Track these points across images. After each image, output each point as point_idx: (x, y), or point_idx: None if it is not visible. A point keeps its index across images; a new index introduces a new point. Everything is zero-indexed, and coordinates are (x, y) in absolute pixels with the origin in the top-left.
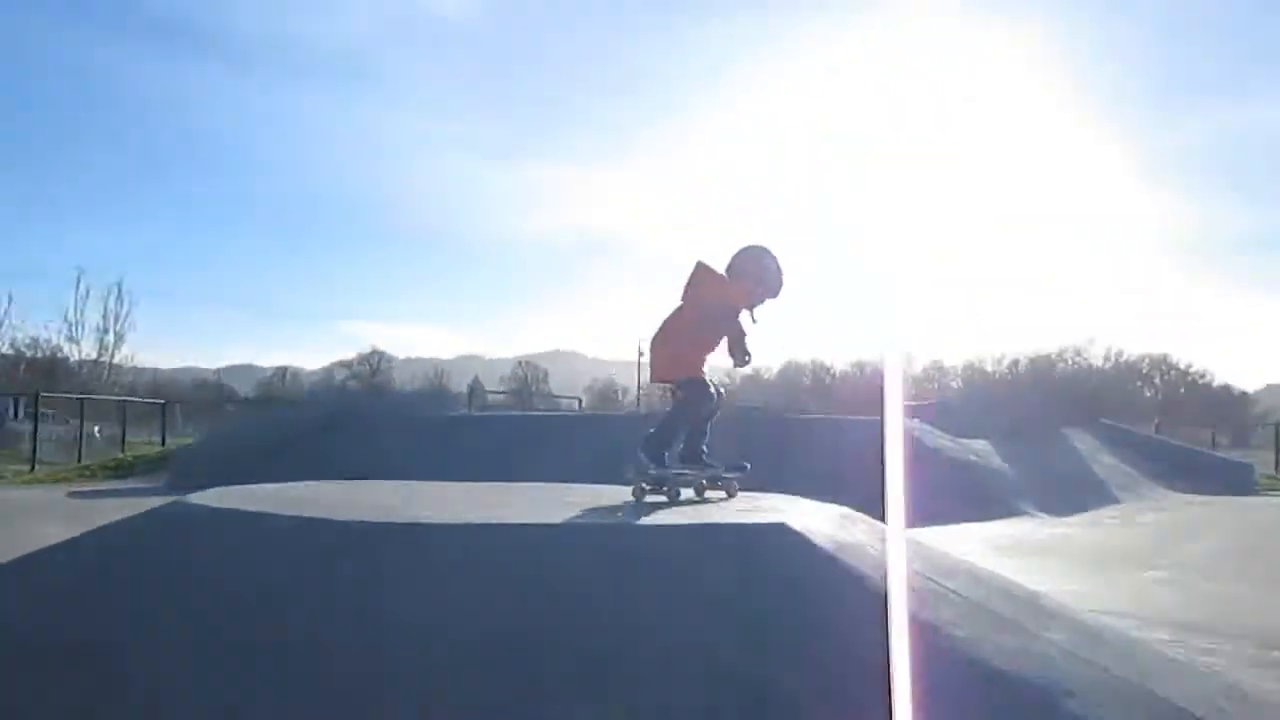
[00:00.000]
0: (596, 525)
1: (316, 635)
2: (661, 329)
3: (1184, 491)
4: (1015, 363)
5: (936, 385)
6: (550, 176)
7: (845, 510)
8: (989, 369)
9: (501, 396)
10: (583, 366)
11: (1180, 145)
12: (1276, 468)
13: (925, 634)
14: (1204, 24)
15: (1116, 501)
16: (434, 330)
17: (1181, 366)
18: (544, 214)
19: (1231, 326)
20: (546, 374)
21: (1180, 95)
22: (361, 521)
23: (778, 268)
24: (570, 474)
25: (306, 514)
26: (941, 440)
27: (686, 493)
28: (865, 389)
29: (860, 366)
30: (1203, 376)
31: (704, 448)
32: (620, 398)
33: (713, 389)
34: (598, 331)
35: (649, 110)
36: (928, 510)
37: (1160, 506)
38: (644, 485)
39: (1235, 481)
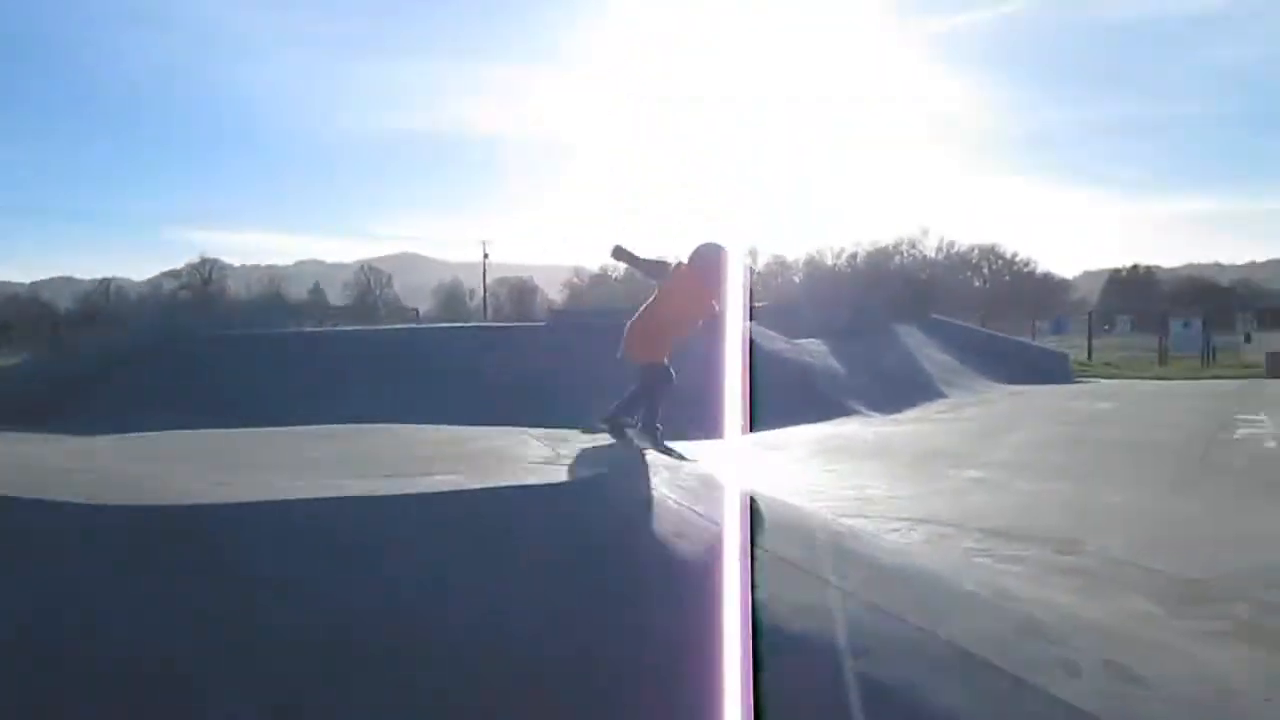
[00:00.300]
0: (403, 496)
1: None
2: (640, 316)
3: (1007, 383)
4: (854, 256)
5: (779, 280)
6: (405, 72)
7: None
8: (830, 263)
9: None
10: (429, 270)
11: (998, 36)
12: (1089, 355)
13: (729, 600)
14: None
15: (944, 396)
16: (272, 235)
17: (1008, 256)
18: (394, 113)
19: (1051, 216)
20: (390, 278)
21: None
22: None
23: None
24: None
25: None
26: (778, 343)
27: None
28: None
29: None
30: (1027, 265)
31: (658, 425)
32: (469, 300)
33: (672, 373)
34: (444, 234)
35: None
36: (766, 414)
37: (985, 399)
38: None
39: (1053, 370)
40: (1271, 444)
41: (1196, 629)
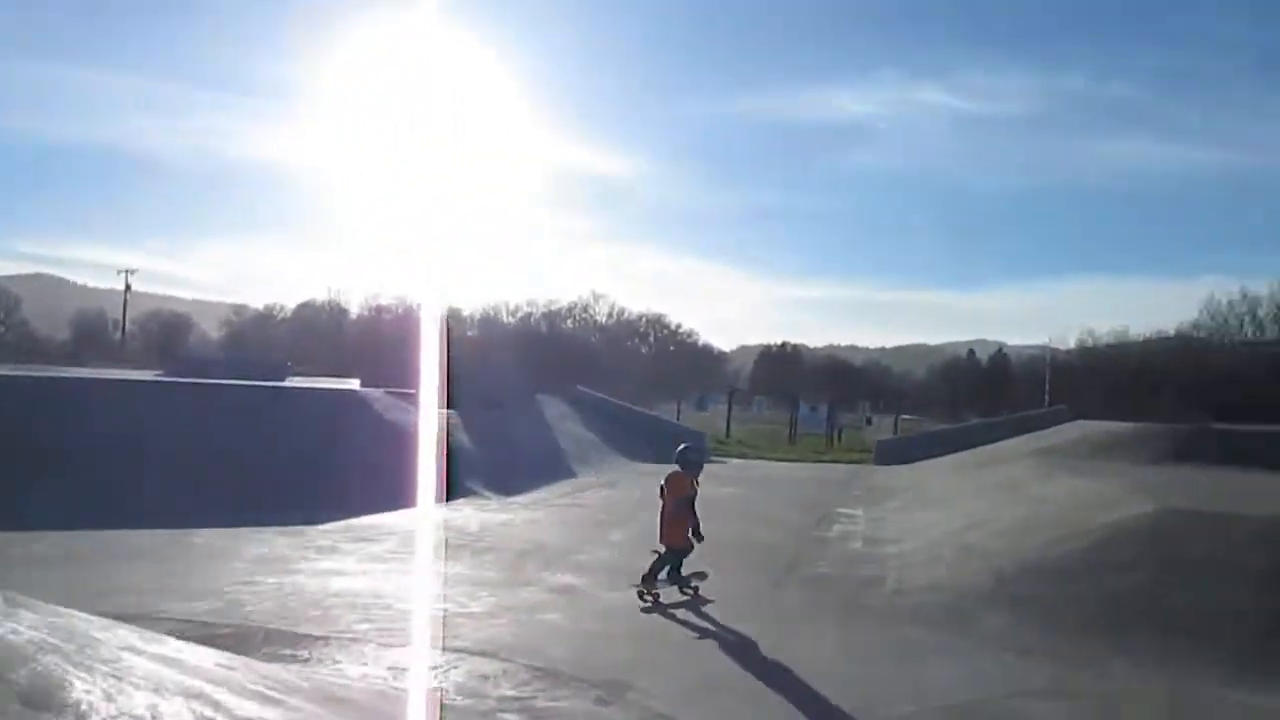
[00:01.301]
0: None
1: None
2: (665, 515)
3: (644, 461)
4: (529, 315)
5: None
6: (59, 78)
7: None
8: (505, 318)
9: None
10: (68, 294)
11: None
12: (728, 432)
13: None
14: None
15: (573, 476)
16: None
17: (673, 326)
18: (40, 121)
19: (714, 291)
20: (19, 300)
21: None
22: None
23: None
24: None
25: None
26: (400, 412)
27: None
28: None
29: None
30: (689, 336)
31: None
32: (111, 331)
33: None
34: (87, 256)
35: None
36: (351, 499)
37: (614, 481)
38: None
39: None
40: (857, 544)
41: None
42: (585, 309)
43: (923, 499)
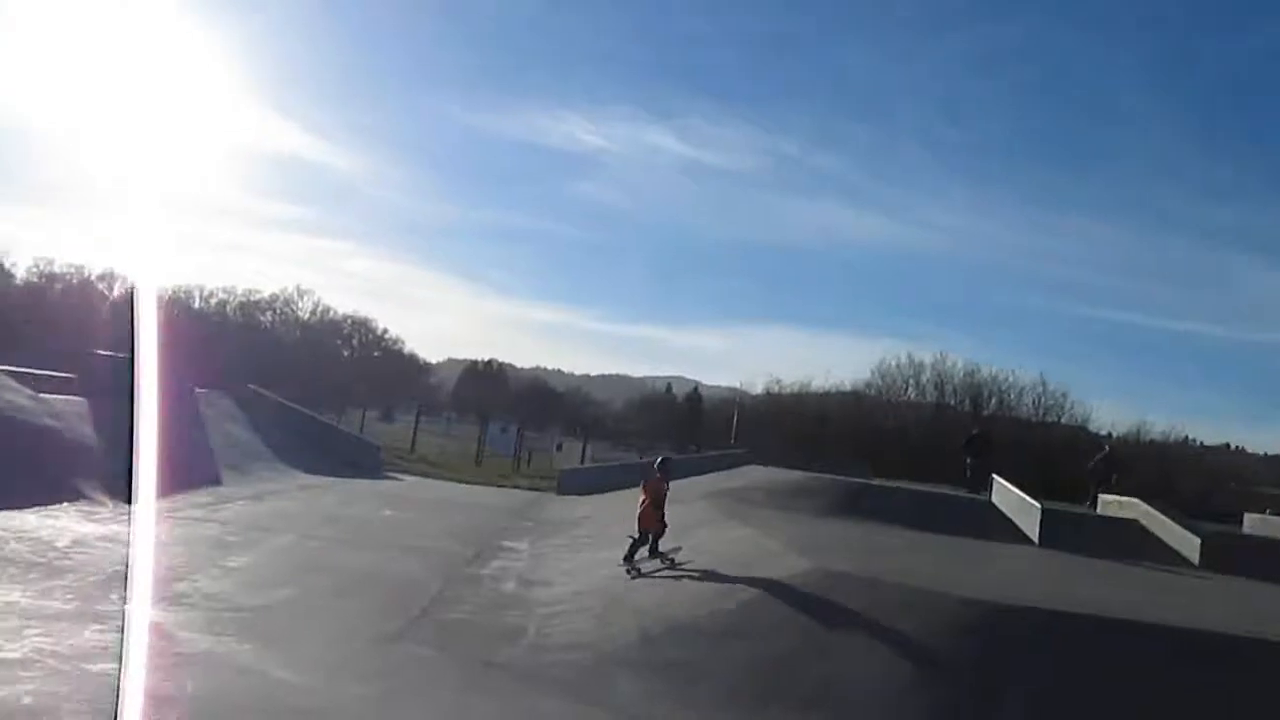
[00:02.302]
0: None
1: None
2: (643, 507)
3: (310, 471)
4: (224, 303)
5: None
6: None
7: None
8: (196, 305)
9: None
10: None
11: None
12: (413, 447)
13: None
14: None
15: (217, 484)
16: None
17: (379, 331)
18: None
19: (428, 301)
20: None
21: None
22: None
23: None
24: None
25: None
26: (17, 396)
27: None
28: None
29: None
30: (395, 343)
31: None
32: None
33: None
34: None
35: None
36: None
37: (265, 492)
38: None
39: (363, 462)
40: (510, 585)
41: None
42: (287, 303)
43: (594, 535)
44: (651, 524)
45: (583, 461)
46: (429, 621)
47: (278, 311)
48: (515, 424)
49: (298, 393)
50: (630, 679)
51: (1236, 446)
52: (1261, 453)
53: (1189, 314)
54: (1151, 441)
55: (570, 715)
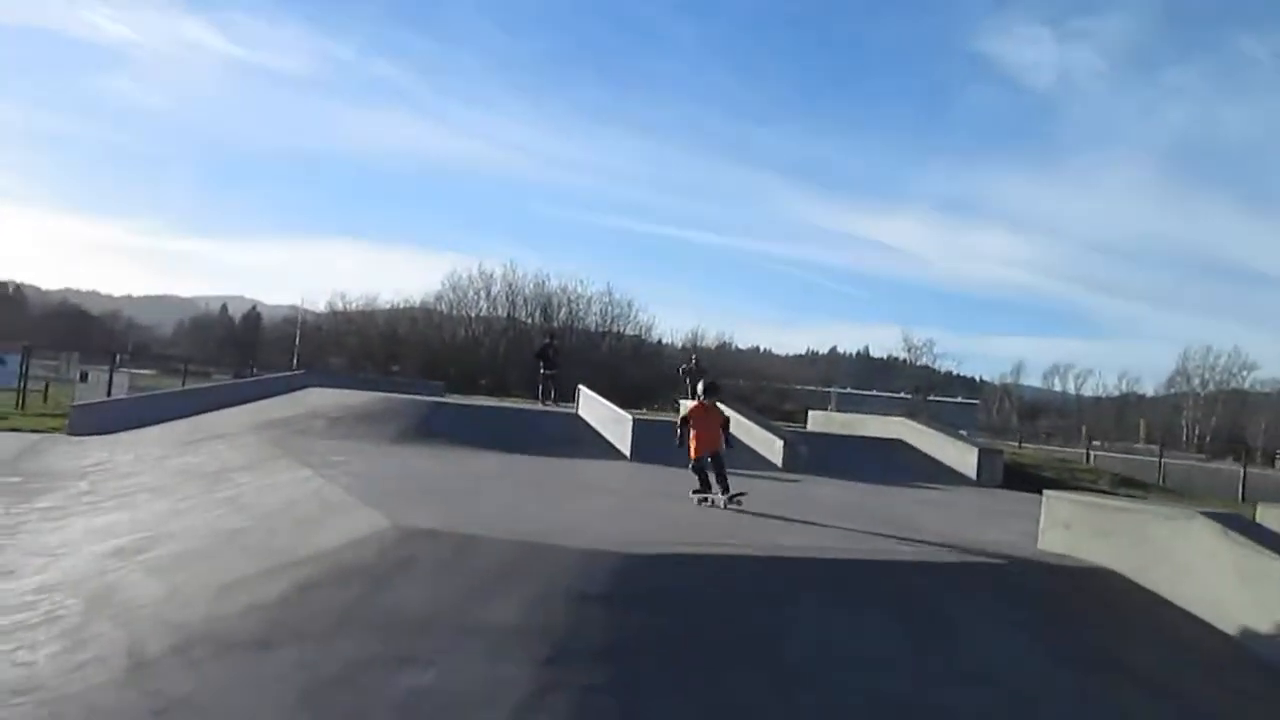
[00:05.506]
0: None
1: None
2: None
3: None
4: None
5: None
6: None
7: None
8: None
9: None
10: None
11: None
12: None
13: None
14: None
15: None
16: None
17: None
18: None
19: None
20: None
21: None
22: None
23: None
24: None
25: None
26: None
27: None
28: None
29: None
30: None
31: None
32: None
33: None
34: None
35: None
36: None
37: None
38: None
39: None
40: None
41: None
42: None
43: (100, 492)
44: (706, 446)
45: (109, 394)
46: None
47: None
48: (18, 352)
49: None
50: None
51: (765, 349)
52: (784, 354)
53: (731, 230)
54: (709, 348)
55: None
